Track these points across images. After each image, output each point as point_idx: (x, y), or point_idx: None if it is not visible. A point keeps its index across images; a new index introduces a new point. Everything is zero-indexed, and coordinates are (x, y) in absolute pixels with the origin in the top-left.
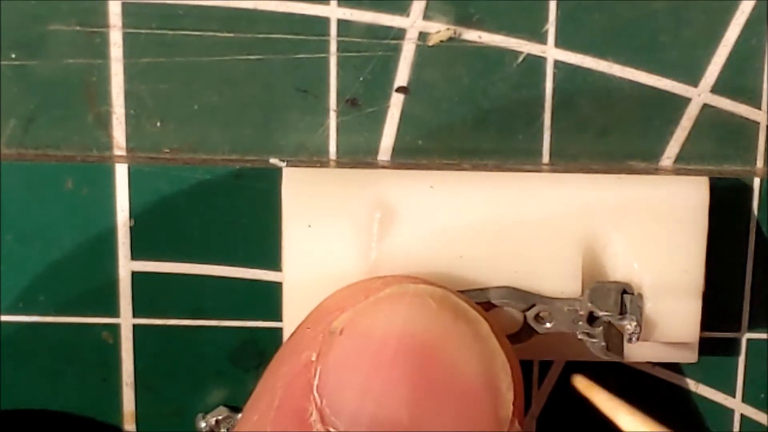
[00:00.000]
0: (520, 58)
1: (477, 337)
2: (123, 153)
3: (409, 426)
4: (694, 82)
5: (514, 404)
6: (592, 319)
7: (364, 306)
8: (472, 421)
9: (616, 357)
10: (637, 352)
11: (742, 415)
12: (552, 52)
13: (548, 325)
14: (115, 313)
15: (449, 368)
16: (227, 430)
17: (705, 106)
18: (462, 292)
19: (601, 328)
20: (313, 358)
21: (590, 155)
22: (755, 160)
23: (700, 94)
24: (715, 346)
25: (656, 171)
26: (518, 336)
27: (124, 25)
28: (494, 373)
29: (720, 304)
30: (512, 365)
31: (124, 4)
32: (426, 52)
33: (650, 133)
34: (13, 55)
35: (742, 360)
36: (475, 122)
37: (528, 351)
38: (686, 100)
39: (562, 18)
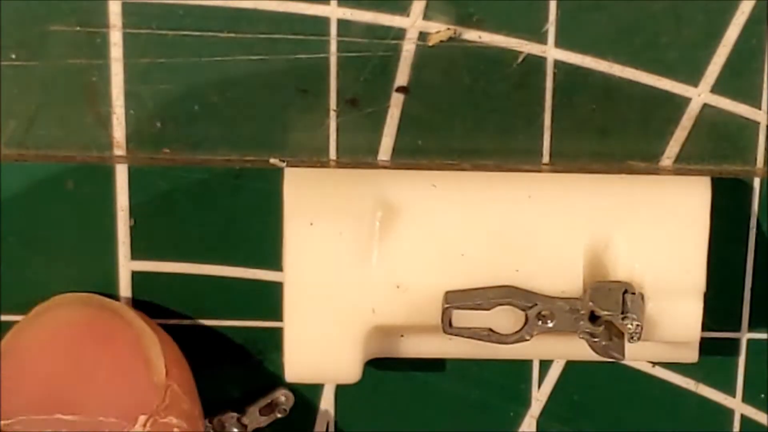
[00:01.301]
0: (520, 58)
1: (125, 320)
2: (123, 153)
3: (70, 396)
4: (694, 82)
5: (168, 371)
6: (593, 318)
7: (21, 324)
8: (127, 384)
9: (616, 357)
10: (637, 352)
11: (742, 415)
12: (552, 52)
13: (549, 324)
14: None
15: (98, 345)
16: (229, 429)
17: (705, 106)
18: (463, 291)
19: (602, 327)
20: None
21: (590, 155)
22: (755, 160)
23: (700, 94)
24: (715, 346)
25: (656, 171)
26: (519, 335)
27: (124, 25)
28: (142, 346)
29: (720, 304)
30: (162, 339)
31: (124, 4)
32: (426, 52)
33: (650, 133)
34: (13, 55)
35: (742, 360)
36: (475, 122)
37: (528, 351)
38: (686, 100)
39: (562, 18)
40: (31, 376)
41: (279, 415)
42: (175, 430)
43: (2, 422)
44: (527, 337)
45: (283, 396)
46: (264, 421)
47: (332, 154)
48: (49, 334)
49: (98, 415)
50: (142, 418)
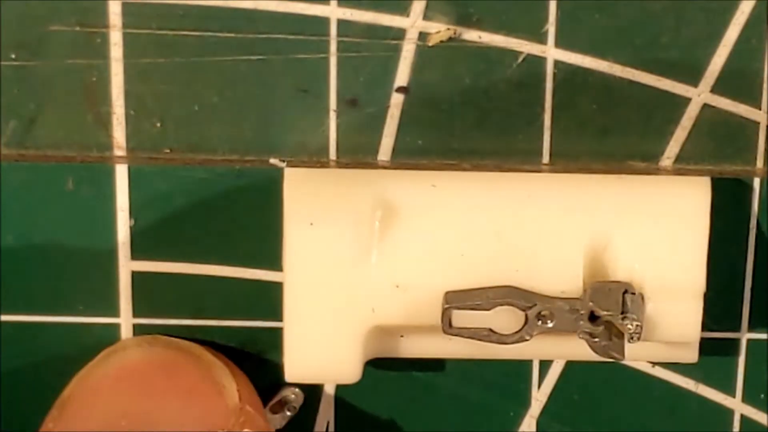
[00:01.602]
0: (520, 58)
1: (193, 355)
2: (123, 153)
3: (144, 420)
4: (694, 82)
5: (240, 395)
6: (593, 318)
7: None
8: (201, 407)
9: (616, 357)
10: (637, 352)
11: (742, 415)
12: (552, 52)
13: (549, 324)
14: (115, 313)
15: (169, 377)
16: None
17: (705, 106)
18: (463, 291)
19: (602, 327)
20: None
21: (590, 155)
22: (755, 160)
23: (700, 94)
24: (715, 346)
25: (656, 171)
26: (519, 335)
27: (124, 25)
28: (213, 375)
29: (720, 304)
30: (232, 370)
31: (124, 4)
32: (426, 52)
33: (650, 133)
34: (13, 55)
35: (742, 360)
36: (475, 122)
37: (528, 351)
38: (686, 100)
39: (562, 18)
40: (102, 407)
41: (289, 413)
42: None
43: None
44: (527, 337)
45: (292, 394)
46: (276, 420)
47: (332, 154)
48: (120, 370)
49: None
50: None
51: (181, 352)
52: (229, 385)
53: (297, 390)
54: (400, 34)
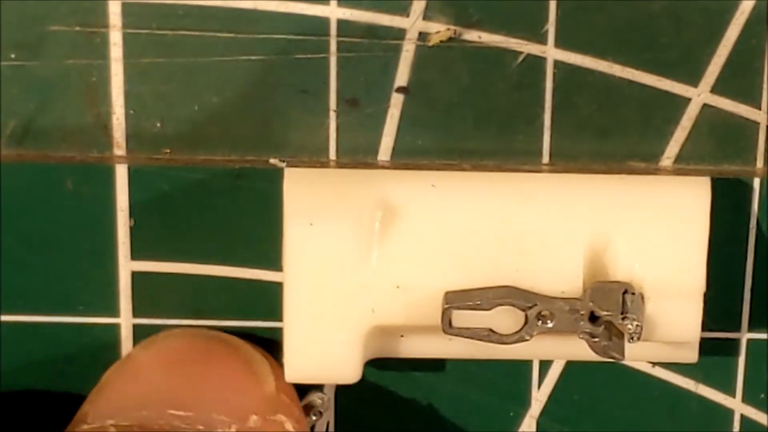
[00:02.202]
0: (520, 58)
1: (232, 345)
2: (123, 153)
3: (182, 397)
4: (694, 82)
5: (277, 386)
6: (593, 318)
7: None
8: (238, 391)
9: (616, 357)
10: (637, 352)
11: (742, 415)
12: (552, 52)
13: (549, 324)
14: (115, 313)
15: (209, 362)
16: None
17: (705, 106)
18: (463, 291)
19: (602, 327)
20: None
21: (590, 155)
22: (755, 160)
23: (700, 94)
24: (715, 346)
25: (656, 171)
26: (519, 335)
27: (124, 25)
28: (252, 364)
29: (720, 304)
30: (271, 363)
31: (124, 4)
32: (426, 52)
33: (650, 133)
34: (13, 55)
35: (742, 360)
36: (475, 122)
37: (528, 351)
38: (686, 100)
39: (562, 18)
40: (144, 383)
41: (314, 418)
42: (287, 425)
43: (114, 420)
44: (527, 337)
45: (319, 399)
46: None
47: (332, 154)
48: (158, 355)
49: (211, 412)
50: (253, 417)
51: (221, 342)
52: (267, 375)
53: (323, 395)
54: (400, 34)
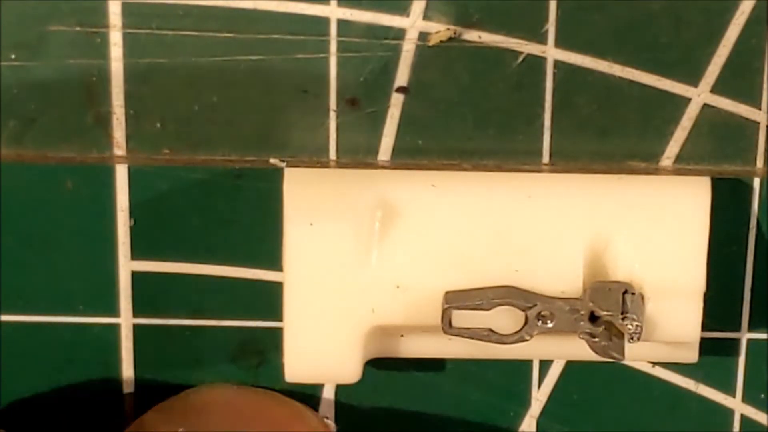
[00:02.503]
0: (520, 58)
1: (280, 398)
2: (123, 153)
3: None
4: (694, 82)
5: None
6: (593, 318)
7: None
8: None
9: (616, 357)
10: (637, 352)
11: (742, 415)
12: (552, 52)
13: (549, 324)
14: (115, 313)
15: (260, 411)
16: None
17: (705, 106)
18: (463, 291)
19: (602, 327)
20: None
21: (590, 155)
22: (755, 160)
23: (700, 94)
24: (715, 346)
25: (656, 171)
26: (519, 335)
27: (124, 25)
28: (303, 415)
29: (720, 304)
30: (319, 418)
31: (124, 4)
32: (426, 52)
33: (650, 133)
34: (13, 56)
35: (742, 360)
36: (475, 122)
37: (528, 351)
38: (686, 100)
39: (562, 18)
40: (189, 425)
41: None
42: None
43: None
44: (527, 337)
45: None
46: None
47: (332, 154)
48: (208, 396)
49: None
50: None
51: (272, 395)
52: (316, 425)
53: (330, 422)
54: (400, 34)
